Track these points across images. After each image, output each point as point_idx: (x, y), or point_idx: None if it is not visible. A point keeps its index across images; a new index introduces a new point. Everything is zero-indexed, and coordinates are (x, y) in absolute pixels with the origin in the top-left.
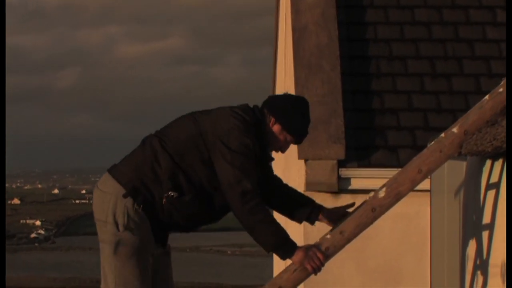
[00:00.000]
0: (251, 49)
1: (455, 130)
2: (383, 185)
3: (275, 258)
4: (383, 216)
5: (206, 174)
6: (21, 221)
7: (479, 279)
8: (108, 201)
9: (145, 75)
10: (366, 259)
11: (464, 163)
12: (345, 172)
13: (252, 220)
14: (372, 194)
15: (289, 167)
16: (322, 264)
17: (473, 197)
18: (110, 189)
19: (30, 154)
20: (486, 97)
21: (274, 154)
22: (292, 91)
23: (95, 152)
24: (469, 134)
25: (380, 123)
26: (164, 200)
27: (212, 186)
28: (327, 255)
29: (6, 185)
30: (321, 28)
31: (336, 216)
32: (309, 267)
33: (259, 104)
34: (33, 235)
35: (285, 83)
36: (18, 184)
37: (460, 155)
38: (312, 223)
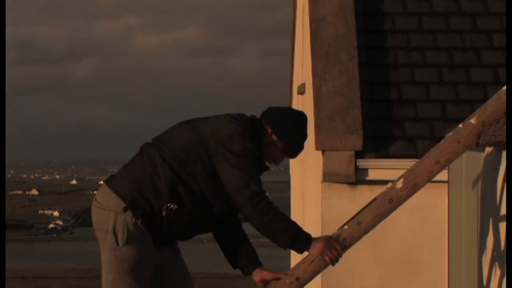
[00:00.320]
0: (268, 40)
1: (473, 121)
2: (401, 176)
3: None
4: (400, 207)
5: (207, 181)
6: (39, 211)
7: (497, 270)
8: (107, 215)
9: (162, 65)
10: (383, 250)
11: (482, 154)
12: (362, 163)
13: (265, 220)
14: (389, 185)
15: (306, 158)
16: (340, 255)
17: (490, 188)
18: (109, 203)
19: (48, 145)
20: (504, 87)
21: None
22: (309, 82)
23: (112, 142)
24: (487, 125)
25: (398, 114)
26: (163, 212)
27: (213, 194)
28: (345, 246)
29: (24, 176)
30: (338, 19)
31: (269, 279)
32: (327, 258)
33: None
34: (51, 225)
35: (302, 73)
36: (36, 175)
37: (478, 146)
38: (244, 273)
